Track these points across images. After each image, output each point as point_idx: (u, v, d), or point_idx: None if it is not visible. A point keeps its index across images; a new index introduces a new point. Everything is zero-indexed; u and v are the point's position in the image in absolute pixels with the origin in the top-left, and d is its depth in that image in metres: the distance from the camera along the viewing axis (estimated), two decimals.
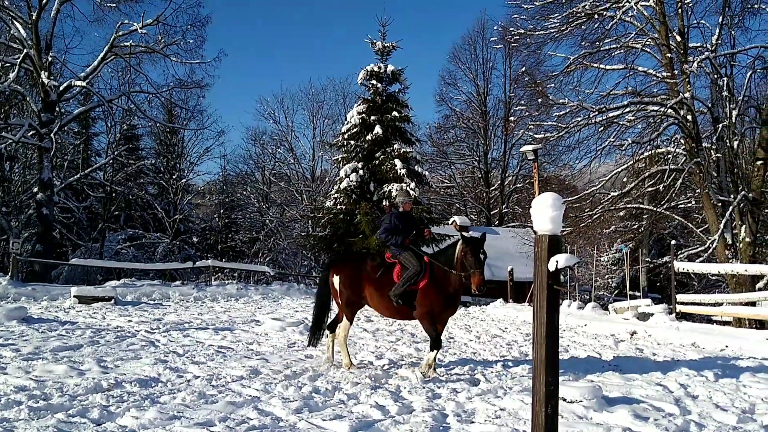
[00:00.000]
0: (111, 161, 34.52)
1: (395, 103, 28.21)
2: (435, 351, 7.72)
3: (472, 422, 5.67)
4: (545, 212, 3.39)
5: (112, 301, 16.13)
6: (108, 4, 26.53)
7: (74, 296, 16.14)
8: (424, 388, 6.99)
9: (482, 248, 7.47)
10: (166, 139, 39.37)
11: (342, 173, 27.50)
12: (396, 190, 25.90)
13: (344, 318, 8.34)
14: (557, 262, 3.35)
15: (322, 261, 37.34)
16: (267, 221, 40.39)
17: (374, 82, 28.16)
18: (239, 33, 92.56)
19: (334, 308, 8.85)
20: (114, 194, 35.16)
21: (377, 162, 27.23)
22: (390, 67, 28.22)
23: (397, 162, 26.47)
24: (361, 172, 27.04)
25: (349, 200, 26.70)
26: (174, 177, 37.70)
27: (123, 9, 26.89)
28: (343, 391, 6.68)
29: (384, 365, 8.45)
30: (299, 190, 42.84)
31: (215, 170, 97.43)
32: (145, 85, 29.30)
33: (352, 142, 28.25)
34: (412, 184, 26.29)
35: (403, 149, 26.95)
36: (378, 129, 27.12)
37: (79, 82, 25.70)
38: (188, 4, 27.73)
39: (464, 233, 7.73)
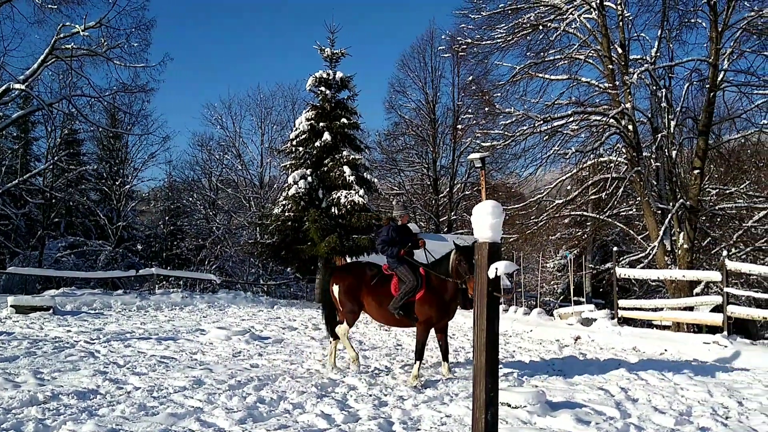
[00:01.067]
0: (51, 166, 33.46)
1: (344, 109, 28.18)
2: (418, 362, 8.10)
3: (418, 429, 5.69)
4: (485, 220, 3.43)
5: (51, 311, 15.64)
6: (49, 6, 25.73)
7: (11, 306, 15.59)
8: (370, 395, 6.99)
9: (475, 255, 7.62)
10: (109, 144, 38.35)
11: (290, 180, 27.28)
12: (344, 197, 25.90)
13: (345, 322, 8.79)
14: (497, 269, 3.39)
15: (270, 269, 37.01)
16: (214, 228, 39.77)
17: (323, 88, 28.08)
18: (186, 37, 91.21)
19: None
20: (54, 200, 34.08)
21: (326, 169, 27.13)
22: (339, 74, 28.18)
23: (346, 169, 26.43)
24: (309, 178, 26.88)
25: (297, 207, 26.50)
26: (117, 183, 36.74)
27: (64, 11, 26.07)
28: (288, 401, 6.63)
29: (330, 374, 8.40)
30: (247, 197, 42.34)
31: (160, 176, 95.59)
32: (87, 88, 28.43)
33: (301, 149, 28.08)
34: (361, 191, 26.26)
35: (352, 156, 26.93)
36: (327, 136, 27.04)
37: (18, 85, 24.81)
38: (132, 6, 27.11)
39: (456, 242, 8.20)
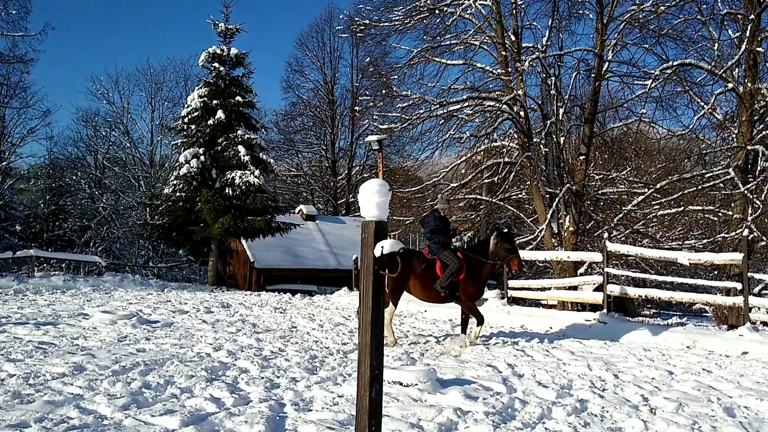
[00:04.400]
0: None
1: (239, 87, 27.51)
2: (481, 325, 9.82)
3: (310, 410, 5.64)
4: (371, 198, 3.41)
5: None
6: None
7: None
8: (262, 378, 6.87)
9: (514, 238, 9.18)
10: None
11: (182, 159, 26.37)
12: (239, 177, 25.34)
13: (390, 303, 9.76)
14: (383, 247, 3.40)
15: (161, 251, 35.82)
16: (100, 208, 38.02)
17: (217, 65, 27.28)
18: (69, 5, 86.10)
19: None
20: None
21: (220, 148, 26.44)
22: (234, 51, 27.45)
23: (241, 148, 25.88)
24: (202, 158, 26.10)
25: (189, 187, 25.68)
26: None
27: None
28: (176, 385, 6.40)
29: (222, 357, 8.18)
30: (136, 176, 40.73)
31: (41, 153, 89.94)
32: None
33: (193, 127, 27.21)
34: (257, 172, 25.80)
35: (247, 135, 26.37)
36: (221, 114, 26.31)
37: None
38: None
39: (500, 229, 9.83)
